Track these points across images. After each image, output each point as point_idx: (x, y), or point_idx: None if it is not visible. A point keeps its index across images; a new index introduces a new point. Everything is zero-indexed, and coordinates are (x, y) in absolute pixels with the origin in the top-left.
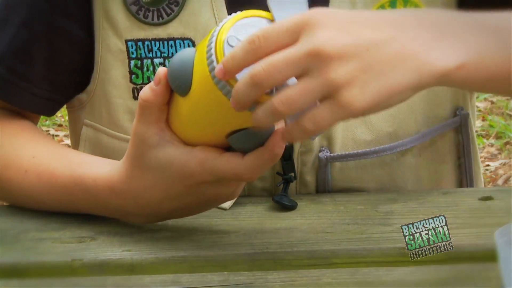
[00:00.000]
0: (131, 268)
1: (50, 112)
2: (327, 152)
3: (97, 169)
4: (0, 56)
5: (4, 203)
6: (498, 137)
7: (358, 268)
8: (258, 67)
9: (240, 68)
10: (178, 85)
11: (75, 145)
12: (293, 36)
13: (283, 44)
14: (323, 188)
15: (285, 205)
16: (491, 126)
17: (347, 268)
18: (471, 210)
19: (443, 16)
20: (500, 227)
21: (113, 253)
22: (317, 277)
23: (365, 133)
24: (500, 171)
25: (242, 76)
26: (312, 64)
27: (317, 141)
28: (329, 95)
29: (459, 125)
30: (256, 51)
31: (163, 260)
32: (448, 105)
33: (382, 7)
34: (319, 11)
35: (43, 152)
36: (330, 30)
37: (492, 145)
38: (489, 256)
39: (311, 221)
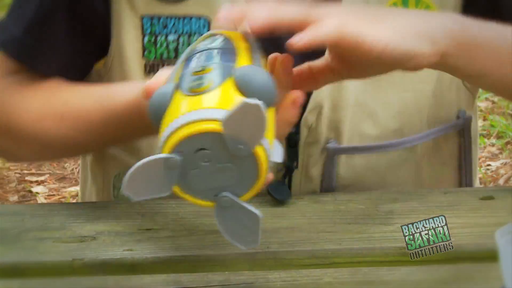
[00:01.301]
0: (132, 268)
1: (78, 78)
2: (335, 143)
3: (126, 95)
4: (27, 25)
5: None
6: (499, 136)
7: (359, 267)
8: None
9: None
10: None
11: None
12: None
13: None
14: (328, 182)
15: (275, 199)
16: (492, 125)
17: (348, 268)
18: (472, 209)
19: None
20: (501, 226)
21: (114, 253)
22: (318, 277)
23: (371, 128)
24: (501, 171)
25: None
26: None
27: (324, 133)
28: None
29: (462, 128)
30: None
31: (164, 259)
32: (453, 108)
33: (394, 5)
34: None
35: (74, 95)
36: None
37: (493, 145)
38: (490, 255)
39: (312, 220)
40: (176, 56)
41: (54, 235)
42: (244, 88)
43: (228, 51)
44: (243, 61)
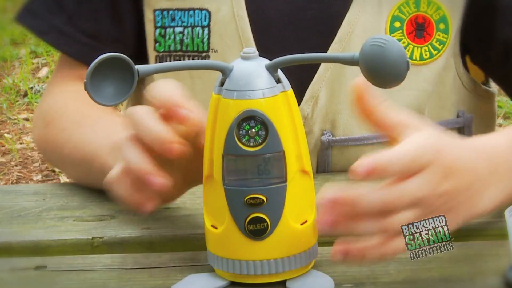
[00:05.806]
0: (150, 246)
1: None
2: (330, 135)
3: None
4: (69, 16)
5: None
6: (506, 117)
7: None
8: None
9: None
10: None
11: None
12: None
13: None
14: (323, 170)
15: None
16: (499, 106)
17: None
18: None
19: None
20: (510, 206)
21: (133, 231)
22: (332, 254)
23: None
24: None
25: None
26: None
27: (318, 123)
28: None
29: (462, 126)
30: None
31: (182, 237)
32: (454, 109)
33: (407, 4)
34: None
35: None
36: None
37: (500, 125)
38: (499, 234)
39: None
40: (181, 48)
41: (74, 214)
42: None
43: None
44: None
